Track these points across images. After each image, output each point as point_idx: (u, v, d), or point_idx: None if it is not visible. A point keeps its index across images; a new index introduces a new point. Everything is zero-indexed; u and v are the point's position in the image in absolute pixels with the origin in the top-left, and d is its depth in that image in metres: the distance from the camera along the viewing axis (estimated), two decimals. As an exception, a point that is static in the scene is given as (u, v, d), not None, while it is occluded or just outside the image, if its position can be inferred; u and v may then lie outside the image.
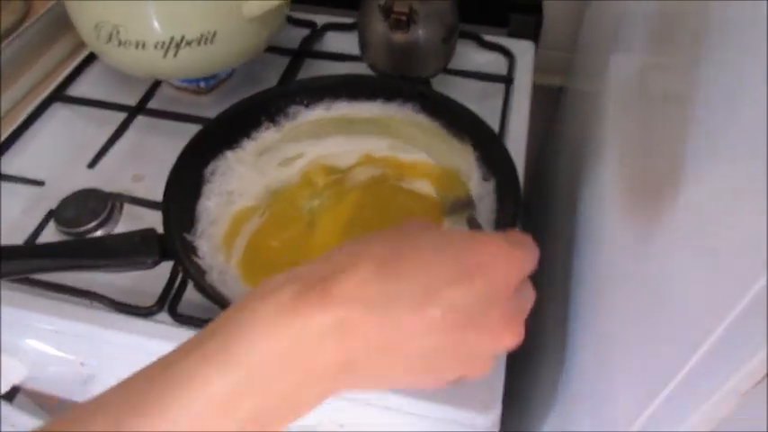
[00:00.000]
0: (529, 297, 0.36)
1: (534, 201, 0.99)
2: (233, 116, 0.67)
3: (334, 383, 0.32)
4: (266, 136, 0.70)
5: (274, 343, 0.30)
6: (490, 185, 0.64)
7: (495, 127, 0.71)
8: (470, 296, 0.32)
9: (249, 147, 0.69)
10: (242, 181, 0.66)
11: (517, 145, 0.73)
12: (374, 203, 0.64)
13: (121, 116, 0.79)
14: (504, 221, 0.59)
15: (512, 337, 0.34)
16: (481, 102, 0.79)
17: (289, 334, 0.30)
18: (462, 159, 0.66)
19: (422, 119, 0.69)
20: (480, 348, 0.33)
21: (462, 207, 0.61)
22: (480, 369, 0.35)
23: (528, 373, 0.74)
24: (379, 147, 0.69)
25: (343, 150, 0.68)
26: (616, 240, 0.48)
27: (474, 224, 0.54)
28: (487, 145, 0.65)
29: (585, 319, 0.54)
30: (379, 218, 0.62)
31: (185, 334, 0.60)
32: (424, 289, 0.31)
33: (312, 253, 0.60)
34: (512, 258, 0.34)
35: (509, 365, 0.56)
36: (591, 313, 0.53)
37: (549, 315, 0.68)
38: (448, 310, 0.32)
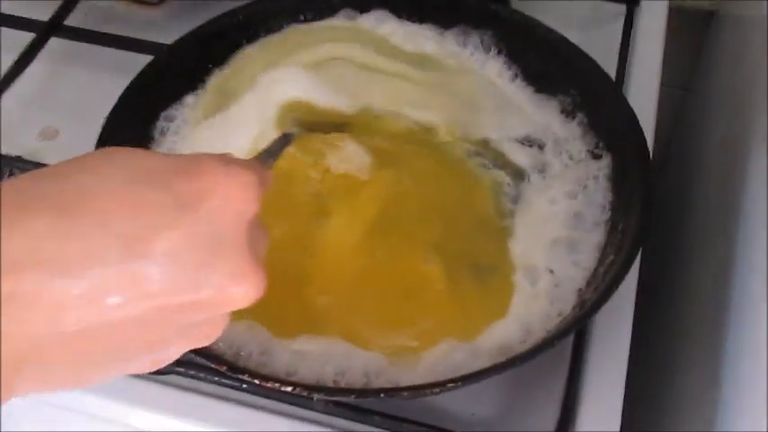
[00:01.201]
0: (262, 236, 0.40)
1: (663, 192, 0.98)
2: (197, 42, 0.67)
3: (8, 383, 0.33)
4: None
5: None
6: (599, 165, 0.64)
7: (610, 72, 0.70)
8: (194, 239, 0.35)
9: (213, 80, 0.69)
10: (206, 142, 0.66)
11: (644, 102, 0.73)
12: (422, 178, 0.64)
13: (26, 38, 0.79)
14: (626, 220, 0.59)
15: (253, 288, 0.37)
16: (587, 32, 0.79)
17: None
18: (546, 125, 0.67)
19: (492, 67, 0.70)
20: (211, 311, 0.37)
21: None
22: (208, 336, 0.39)
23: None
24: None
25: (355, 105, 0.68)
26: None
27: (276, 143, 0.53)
28: (598, 100, 0.65)
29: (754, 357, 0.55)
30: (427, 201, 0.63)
31: (117, 380, 0.59)
32: (127, 240, 0.34)
33: (324, 252, 0.61)
34: (241, 181, 0.37)
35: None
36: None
37: (686, 348, 0.69)
38: (167, 265, 0.34)
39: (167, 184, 0.36)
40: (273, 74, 0.68)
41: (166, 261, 0.34)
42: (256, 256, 0.38)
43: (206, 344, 0.39)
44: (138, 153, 0.38)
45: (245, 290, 0.37)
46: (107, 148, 0.38)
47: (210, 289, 0.36)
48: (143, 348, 0.37)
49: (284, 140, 0.52)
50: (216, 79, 0.70)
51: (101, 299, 0.33)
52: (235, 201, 0.37)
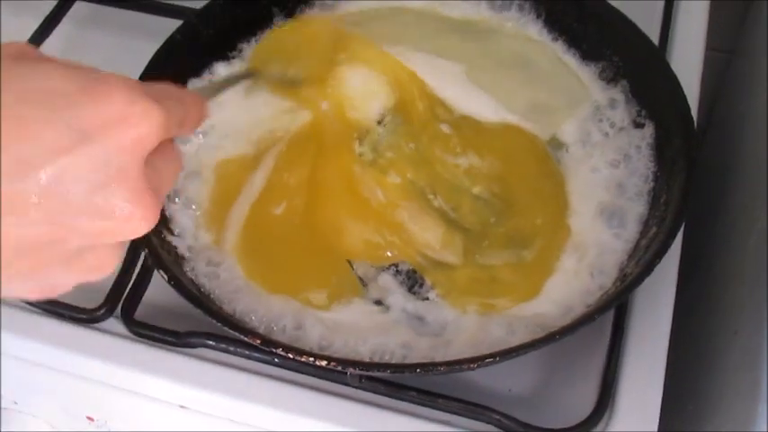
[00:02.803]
0: (172, 169, 0.41)
1: (705, 159, 0.97)
2: (229, 6, 0.67)
3: None
4: None
5: None
6: (641, 134, 0.64)
7: (653, 37, 0.69)
8: (83, 168, 0.35)
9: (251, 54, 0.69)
10: (234, 112, 0.66)
11: (688, 68, 0.72)
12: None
13: (50, 2, 0.79)
14: (669, 191, 0.59)
15: (141, 220, 0.37)
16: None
17: None
18: (580, 95, 0.67)
19: (533, 30, 0.70)
20: (97, 238, 0.37)
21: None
22: (100, 268, 0.39)
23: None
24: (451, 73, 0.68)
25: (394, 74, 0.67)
26: None
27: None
28: (641, 67, 0.64)
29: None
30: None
31: (144, 350, 0.60)
32: (11, 162, 0.33)
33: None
34: (149, 114, 0.37)
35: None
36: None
37: (728, 321, 0.69)
38: (48, 193, 0.34)
39: (66, 107, 0.35)
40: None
41: (51, 186, 0.34)
42: (154, 188, 0.38)
43: (96, 278, 0.40)
44: (40, 68, 0.37)
45: (135, 220, 0.37)
46: (6, 52, 0.38)
47: (95, 216, 0.36)
48: (23, 274, 0.37)
49: (238, 78, 0.53)
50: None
51: None
52: (145, 139, 0.37)
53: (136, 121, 0.37)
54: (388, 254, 0.60)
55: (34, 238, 0.35)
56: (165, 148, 0.40)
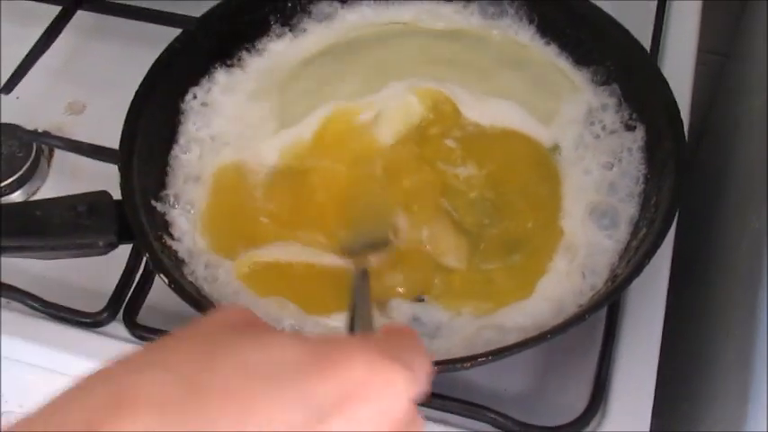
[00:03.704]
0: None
1: (699, 169, 0.98)
2: (227, 14, 0.67)
3: None
4: (276, 48, 0.70)
5: None
6: (633, 136, 0.64)
7: (645, 41, 0.70)
8: None
9: (251, 63, 0.68)
10: (232, 120, 0.67)
11: (680, 72, 0.72)
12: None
13: (53, 11, 0.79)
14: (659, 193, 0.59)
15: None
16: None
17: None
18: (573, 98, 0.67)
19: (525, 36, 0.70)
20: None
21: (373, 248, 0.60)
22: None
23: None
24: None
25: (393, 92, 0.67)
26: None
27: (360, 290, 0.51)
28: (632, 70, 0.64)
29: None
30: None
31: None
32: None
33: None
34: (391, 385, 0.32)
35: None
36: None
37: (720, 323, 0.70)
38: None
39: (298, 381, 0.31)
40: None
41: None
42: None
43: None
44: (264, 337, 0.33)
45: None
46: (233, 318, 0.34)
47: None
48: None
49: (364, 279, 0.50)
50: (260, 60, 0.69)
51: None
52: (387, 414, 0.32)
53: (376, 394, 0.32)
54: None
55: None
56: (411, 411, 0.34)
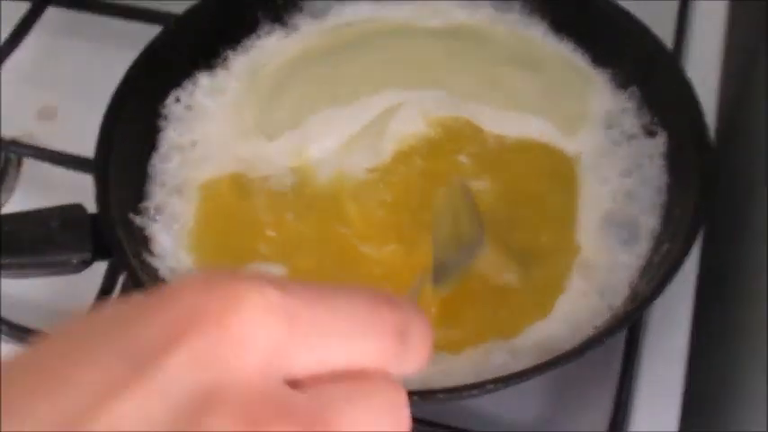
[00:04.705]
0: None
1: (727, 176, 0.97)
2: (211, 10, 0.67)
3: None
4: (266, 45, 0.70)
5: None
6: (654, 143, 0.63)
7: (667, 39, 0.69)
8: (145, 413, 0.24)
9: (237, 64, 0.68)
10: (217, 125, 0.66)
11: (706, 73, 0.71)
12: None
13: (21, 8, 0.78)
14: (683, 205, 0.58)
15: None
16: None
17: None
18: (591, 101, 0.66)
19: (537, 32, 0.69)
20: None
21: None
22: None
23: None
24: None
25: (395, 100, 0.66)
26: None
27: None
28: (652, 72, 0.64)
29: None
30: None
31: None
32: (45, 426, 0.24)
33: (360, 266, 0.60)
34: (239, 301, 0.26)
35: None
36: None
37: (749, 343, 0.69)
38: None
39: (117, 333, 0.26)
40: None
41: None
42: None
43: None
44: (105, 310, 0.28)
45: None
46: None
47: None
48: None
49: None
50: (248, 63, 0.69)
51: None
52: (229, 332, 0.25)
53: (217, 315, 0.25)
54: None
55: None
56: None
